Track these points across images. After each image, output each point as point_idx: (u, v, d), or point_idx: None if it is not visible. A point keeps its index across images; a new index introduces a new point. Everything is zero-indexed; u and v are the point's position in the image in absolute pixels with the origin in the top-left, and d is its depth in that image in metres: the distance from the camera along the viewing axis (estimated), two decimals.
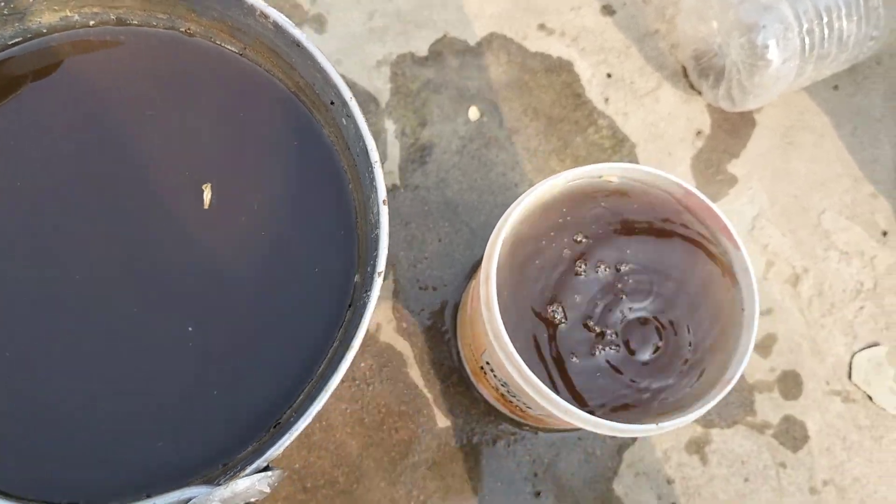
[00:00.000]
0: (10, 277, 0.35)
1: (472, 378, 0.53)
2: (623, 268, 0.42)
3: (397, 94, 0.57)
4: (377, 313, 0.54)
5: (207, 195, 0.36)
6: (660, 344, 0.42)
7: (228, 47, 0.38)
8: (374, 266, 0.31)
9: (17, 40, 0.37)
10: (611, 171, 0.43)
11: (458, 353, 0.54)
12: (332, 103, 0.35)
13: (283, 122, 0.37)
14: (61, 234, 0.35)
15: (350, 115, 0.33)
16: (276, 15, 0.33)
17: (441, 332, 0.53)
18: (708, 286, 0.43)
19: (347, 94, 0.33)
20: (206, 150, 0.37)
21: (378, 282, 0.31)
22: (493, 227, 0.56)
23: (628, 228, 0.42)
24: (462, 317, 0.52)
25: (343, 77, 0.55)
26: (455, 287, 0.54)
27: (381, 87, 0.57)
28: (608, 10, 0.60)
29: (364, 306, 0.30)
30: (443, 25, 0.58)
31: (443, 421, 0.53)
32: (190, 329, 0.34)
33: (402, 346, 0.54)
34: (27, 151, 0.36)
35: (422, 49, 0.58)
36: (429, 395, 0.53)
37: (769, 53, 0.52)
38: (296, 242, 0.36)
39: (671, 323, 0.42)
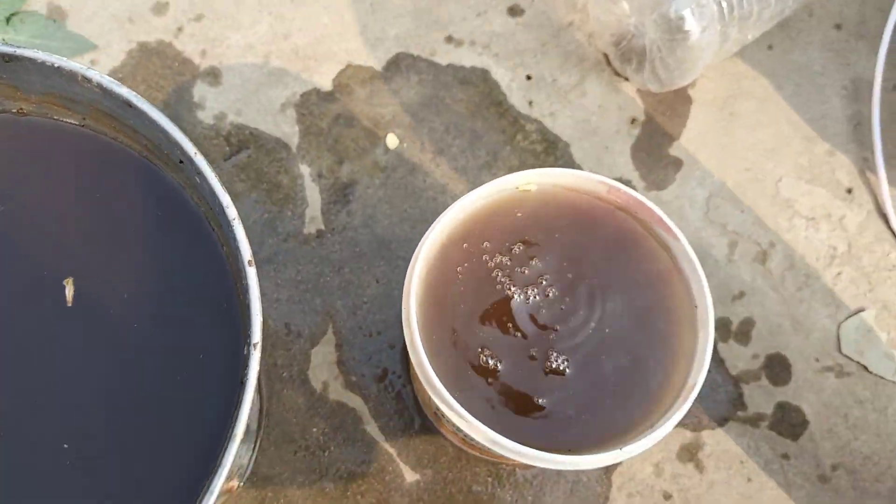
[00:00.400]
0: None
1: (434, 422, 0.48)
2: (552, 283, 0.38)
3: (308, 136, 0.53)
4: (321, 372, 0.49)
5: (70, 291, 0.31)
6: (609, 360, 0.37)
7: (67, 120, 0.34)
8: (250, 336, 0.27)
9: None
10: (526, 180, 0.38)
11: (414, 397, 0.49)
12: (181, 162, 0.30)
13: (141, 192, 0.33)
14: None
15: (200, 173, 0.29)
16: (98, 77, 0.30)
17: (394, 379, 0.49)
18: (653, 285, 0.38)
19: (192, 149, 0.29)
20: (62, 238, 0.33)
21: (255, 355, 0.27)
22: None
23: (553, 240, 0.38)
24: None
25: (246, 127, 0.52)
26: (401, 328, 0.50)
27: (288, 130, 0.53)
28: (516, 11, 0.56)
29: (243, 385, 0.26)
30: (344, 56, 0.55)
31: (411, 475, 0.48)
32: (66, 446, 0.30)
33: (355, 401, 0.49)
34: None
35: (326, 84, 0.54)
36: (392, 450, 0.48)
37: (686, 24, 0.48)
38: (174, 325, 0.32)
39: (618, 334, 0.38)
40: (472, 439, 0.37)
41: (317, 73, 0.55)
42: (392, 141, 0.54)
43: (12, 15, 0.53)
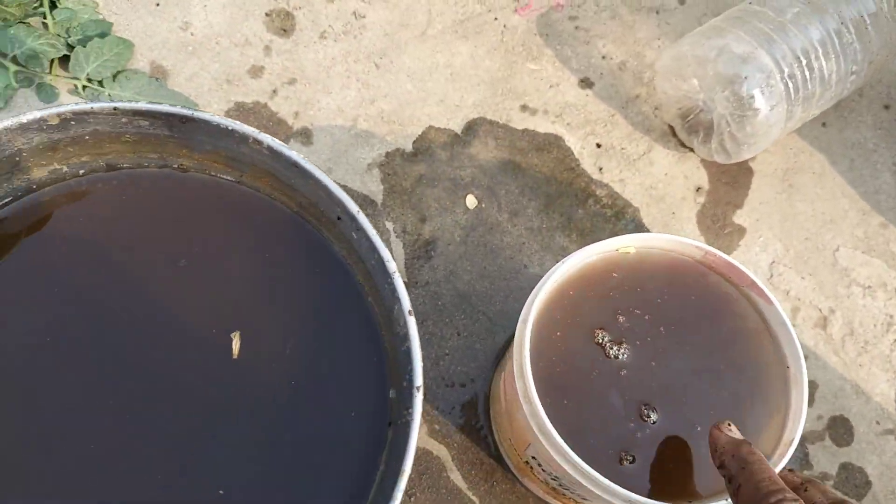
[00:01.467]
0: (19, 450, 0.32)
1: (517, 473, 0.50)
2: (647, 340, 0.40)
3: (392, 194, 0.56)
4: None
5: (236, 345, 0.34)
6: (706, 414, 0.39)
7: (225, 177, 0.37)
8: (410, 380, 0.29)
9: (7, 200, 0.36)
10: (627, 243, 0.41)
11: (496, 447, 0.51)
12: (338, 218, 0.33)
13: (292, 247, 0.36)
14: (79, 396, 0.33)
15: (360, 229, 0.31)
16: (269, 140, 0.33)
17: (476, 429, 0.51)
18: (744, 344, 0.41)
19: (354, 207, 0.32)
20: (224, 292, 0.35)
21: (418, 397, 0.29)
22: (511, 314, 0.54)
23: (648, 299, 0.41)
24: (497, 410, 0.50)
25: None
26: (483, 379, 0.52)
27: (374, 189, 0.56)
28: (587, 83, 0.60)
29: (408, 425, 0.28)
30: (426, 120, 0.58)
31: None
32: (221, 493, 0.32)
33: (438, 449, 0.51)
34: (35, 311, 0.34)
35: (410, 146, 0.57)
36: (475, 499, 0.50)
37: (756, 103, 0.52)
38: (324, 370, 0.34)
39: (713, 390, 0.40)
40: (574, 487, 0.39)
41: (401, 135, 0.58)
42: (471, 201, 0.57)
43: (118, 72, 0.56)
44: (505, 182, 0.58)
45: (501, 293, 0.55)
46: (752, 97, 0.53)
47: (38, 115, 0.33)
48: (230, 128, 0.33)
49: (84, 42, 0.56)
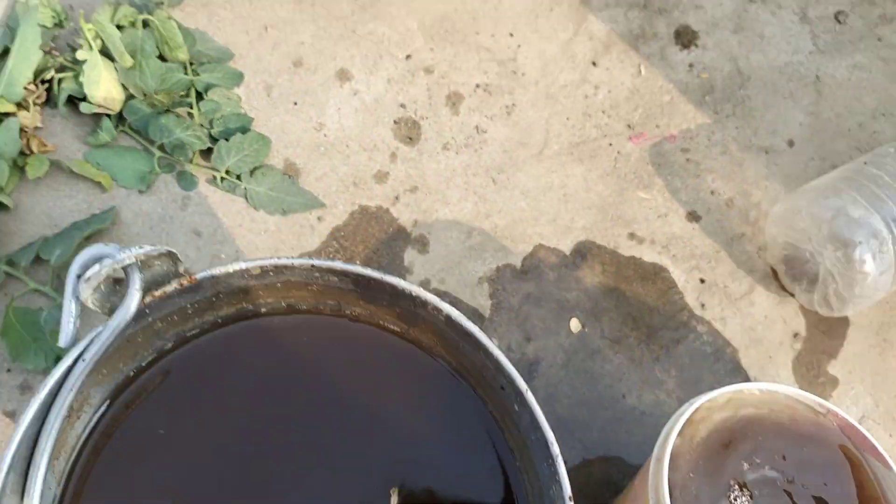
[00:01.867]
0: None
1: None
2: (767, 490, 0.43)
3: (500, 310, 0.59)
4: None
5: (395, 501, 0.36)
6: None
7: (392, 328, 0.40)
8: None
9: (195, 332, 0.39)
10: (751, 390, 0.44)
11: None
12: (502, 388, 0.36)
13: (451, 406, 0.39)
14: None
15: (525, 405, 0.34)
16: (448, 309, 0.36)
17: None
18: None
19: (522, 385, 0.34)
20: (381, 442, 0.38)
21: None
22: (606, 445, 0.57)
23: (773, 453, 0.43)
24: None
25: (447, 294, 0.58)
26: None
27: (483, 303, 0.59)
28: (694, 217, 0.63)
29: None
30: (537, 238, 0.62)
31: None
32: None
33: None
34: (206, 445, 0.37)
35: (519, 263, 0.61)
36: None
37: (867, 267, 0.54)
38: None
39: None
40: None
41: (511, 252, 0.62)
42: (575, 325, 0.60)
43: (255, 168, 0.60)
44: (608, 308, 0.61)
45: (599, 422, 0.58)
46: (864, 261, 0.55)
47: (243, 265, 0.36)
48: (413, 293, 0.36)
49: (226, 135, 0.60)
